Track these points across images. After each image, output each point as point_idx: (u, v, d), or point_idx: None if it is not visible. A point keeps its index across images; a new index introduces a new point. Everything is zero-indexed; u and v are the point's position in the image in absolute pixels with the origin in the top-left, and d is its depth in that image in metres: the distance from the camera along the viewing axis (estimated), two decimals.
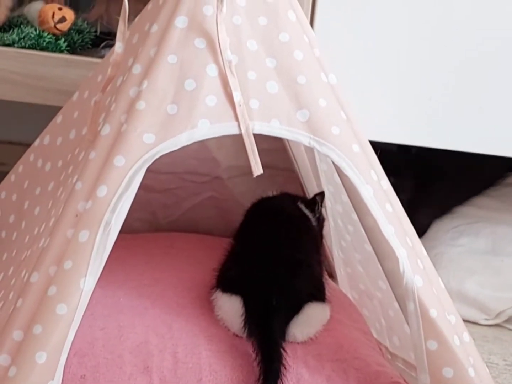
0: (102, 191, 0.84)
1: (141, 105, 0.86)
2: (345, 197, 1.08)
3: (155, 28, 0.90)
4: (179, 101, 0.86)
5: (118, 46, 0.92)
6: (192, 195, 1.31)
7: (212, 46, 0.87)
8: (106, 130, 0.87)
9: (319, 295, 1.02)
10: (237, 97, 0.87)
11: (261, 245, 1.02)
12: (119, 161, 0.84)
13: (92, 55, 1.32)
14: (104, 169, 0.85)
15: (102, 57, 1.28)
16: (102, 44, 1.35)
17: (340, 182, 1.08)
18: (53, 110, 1.14)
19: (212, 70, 0.87)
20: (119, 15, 1.34)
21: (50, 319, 0.81)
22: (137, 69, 0.88)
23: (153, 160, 0.85)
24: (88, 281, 0.82)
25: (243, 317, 0.96)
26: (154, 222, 1.33)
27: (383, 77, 1.29)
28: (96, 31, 1.38)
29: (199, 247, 1.23)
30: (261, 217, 1.09)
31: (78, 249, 0.82)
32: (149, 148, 0.85)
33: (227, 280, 1.00)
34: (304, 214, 1.11)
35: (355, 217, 1.08)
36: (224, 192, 1.29)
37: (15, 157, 1.64)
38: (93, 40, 1.37)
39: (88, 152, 0.90)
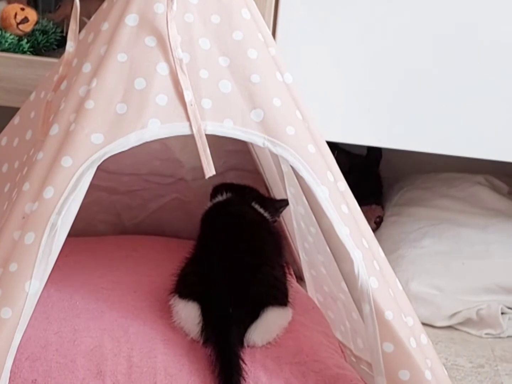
0: (48, 192, 0.82)
1: (90, 104, 0.85)
2: (306, 199, 1.07)
3: (105, 26, 0.88)
4: (129, 100, 0.85)
5: (70, 45, 0.91)
6: (157, 196, 1.29)
7: (163, 44, 0.86)
8: (55, 130, 0.86)
9: (280, 298, 1.00)
10: (188, 96, 0.86)
11: (219, 251, 1.01)
12: (66, 161, 0.83)
13: (56, 56, 1.30)
14: (51, 170, 0.83)
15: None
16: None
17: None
18: (13, 111, 1.13)
19: (162, 69, 0.86)
20: (85, 16, 1.34)
21: None
22: (87, 67, 0.87)
23: (101, 161, 0.84)
24: (34, 284, 0.80)
25: (200, 324, 0.95)
26: (119, 225, 1.31)
27: (345, 76, 1.28)
28: (62, 32, 1.36)
29: (162, 250, 1.22)
30: (218, 222, 1.08)
31: (24, 251, 0.81)
32: (97, 149, 0.83)
33: (184, 286, 0.98)
34: (261, 215, 1.10)
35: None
36: (188, 193, 1.28)
37: None
38: (59, 40, 1.35)
39: (36, 152, 0.88)
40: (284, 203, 1.16)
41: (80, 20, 1.36)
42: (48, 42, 1.33)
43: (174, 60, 0.85)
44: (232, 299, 0.96)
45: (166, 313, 1.00)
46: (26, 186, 0.84)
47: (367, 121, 1.32)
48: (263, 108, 0.89)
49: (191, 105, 0.86)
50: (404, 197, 1.54)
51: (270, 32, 0.94)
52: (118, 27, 0.87)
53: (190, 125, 0.86)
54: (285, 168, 1.12)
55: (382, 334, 0.87)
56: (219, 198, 1.13)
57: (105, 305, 1.02)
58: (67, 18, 1.39)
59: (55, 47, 1.35)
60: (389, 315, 0.87)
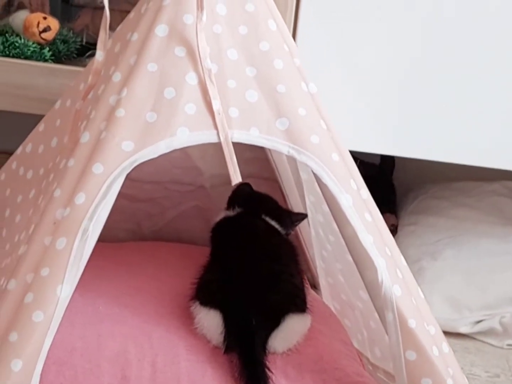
0: (80, 198, 0.84)
1: (120, 112, 0.86)
2: (325, 207, 1.08)
3: (135, 36, 0.90)
4: (159, 109, 0.86)
5: (99, 54, 0.93)
6: (176, 204, 1.31)
7: (192, 55, 0.87)
8: (85, 137, 0.87)
9: (299, 305, 1.01)
10: (216, 105, 0.87)
11: (237, 259, 1.01)
12: (97, 168, 0.84)
13: (77, 65, 1.32)
14: (82, 176, 0.85)
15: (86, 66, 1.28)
16: (87, 54, 1.35)
17: (320, 191, 1.08)
18: (35, 119, 1.14)
19: (191, 79, 0.87)
20: None
21: (26, 326, 0.80)
22: (117, 77, 0.89)
23: (132, 167, 0.85)
24: (65, 289, 0.82)
25: (223, 333, 0.96)
26: (139, 232, 1.32)
27: (362, 86, 1.29)
28: (81, 41, 1.38)
29: (181, 256, 1.23)
30: (231, 233, 1.09)
31: (56, 257, 0.82)
32: (128, 156, 0.85)
33: (205, 293, 0.99)
34: (272, 227, 1.10)
35: (335, 227, 1.08)
36: (207, 201, 1.29)
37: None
38: (79, 49, 1.37)
39: (67, 159, 0.90)
40: (301, 217, 1.16)
41: (99, 29, 1.39)
42: (68, 51, 1.35)
43: (203, 70, 0.87)
44: (253, 306, 0.97)
45: (188, 319, 1.01)
46: (57, 192, 0.86)
47: (381, 130, 1.33)
48: (288, 117, 0.90)
49: (219, 114, 0.87)
50: (420, 206, 1.55)
51: (294, 43, 0.95)
52: (148, 38, 0.88)
53: (218, 133, 0.87)
54: (305, 176, 1.14)
55: (405, 342, 0.88)
56: (230, 212, 1.13)
57: (128, 310, 1.03)
58: (87, 27, 1.41)
59: (75, 55, 1.37)
60: (412, 323, 0.89)
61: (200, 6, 0.86)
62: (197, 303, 0.99)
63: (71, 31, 1.38)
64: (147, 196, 1.29)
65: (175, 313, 1.03)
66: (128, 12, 1.35)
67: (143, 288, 1.09)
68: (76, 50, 1.36)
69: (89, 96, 0.94)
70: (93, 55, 1.34)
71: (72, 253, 0.82)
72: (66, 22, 1.40)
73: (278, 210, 1.14)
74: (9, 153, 1.47)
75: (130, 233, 1.32)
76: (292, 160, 1.19)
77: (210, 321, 0.96)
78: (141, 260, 1.21)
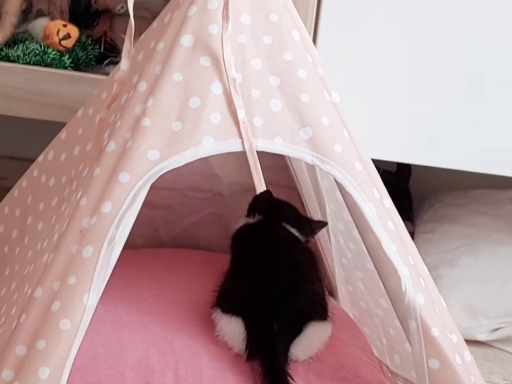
0: (106, 207, 0.84)
1: (146, 122, 0.87)
2: (346, 215, 1.09)
3: (161, 46, 0.90)
4: (184, 118, 0.87)
5: (124, 63, 0.93)
6: (194, 211, 1.31)
7: (217, 65, 0.88)
8: (111, 146, 0.88)
9: (321, 313, 1.02)
10: (241, 114, 0.88)
11: (258, 266, 1.01)
12: (124, 177, 0.85)
13: (96, 72, 1.32)
14: (108, 185, 0.85)
15: (106, 73, 1.29)
16: (106, 61, 1.36)
17: (341, 199, 1.09)
18: (56, 126, 1.15)
19: (216, 88, 0.88)
20: (122, 32, 1.36)
21: (54, 334, 0.81)
22: (142, 86, 0.89)
23: (157, 176, 0.86)
24: (92, 297, 0.82)
25: (245, 341, 0.96)
26: (156, 239, 1.33)
27: (379, 95, 1.30)
28: (100, 48, 1.39)
29: (200, 263, 1.24)
30: (252, 240, 1.08)
31: (82, 265, 0.83)
32: (153, 165, 0.86)
33: (227, 300, 0.99)
34: (292, 235, 1.10)
35: (356, 235, 1.09)
36: (225, 208, 1.30)
37: (17, 172, 1.65)
38: (97, 56, 1.38)
39: (92, 168, 0.90)
40: (321, 224, 1.15)
41: (119, 37, 1.40)
42: (87, 58, 1.35)
43: (228, 79, 0.88)
44: (274, 314, 0.97)
45: (209, 326, 1.01)
46: (83, 201, 0.86)
47: (397, 138, 1.34)
48: (312, 126, 0.91)
49: (244, 123, 0.88)
50: (436, 214, 1.55)
51: (317, 53, 0.96)
52: (173, 47, 0.89)
53: (242, 142, 0.88)
54: (325, 184, 1.14)
55: (428, 351, 0.89)
56: (251, 219, 1.13)
57: (149, 317, 1.04)
58: (105, 34, 1.41)
59: (94, 63, 1.37)
60: (435, 331, 0.89)
61: (225, 17, 0.87)
62: (219, 310, 0.99)
63: (90, 38, 1.38)
64: (165, 202, 1.29)
65: (196, 320, 1.03)
66: (146, 18, 1.37)
67: (164, 295, 1.10)
68: (94, 58, 1.37)
69: (113, 105, 0.95)
70: (112, 62, 1.36)
71: (99, 261, 0.82)
72: (84, 29, 1.40)
73: (299, 217, 1.14)
74: (28, 160, 1.49)
75: (148, 239, 1.33)
76: (311, 168, 1.20)
77: (232, 329, 0.97)
78: (160, 267, 1.21)
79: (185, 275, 1.18)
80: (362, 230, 0.94)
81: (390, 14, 1.25)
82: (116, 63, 1.32)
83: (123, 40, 1.35)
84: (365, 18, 1.25)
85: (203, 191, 1.29)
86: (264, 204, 1.12)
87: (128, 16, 0.92)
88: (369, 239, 0.93)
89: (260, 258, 1.04)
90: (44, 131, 1.25)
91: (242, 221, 1.14)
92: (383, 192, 0.95)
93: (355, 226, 1.08)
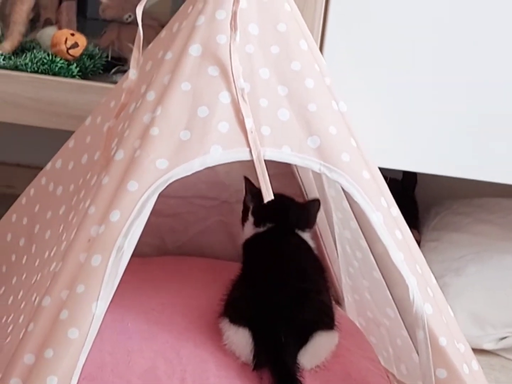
0: (115, 215, 0.84)
1: (154, 131, 0.87)
2: (353, 224, 1.09)
3: (169, 55, 0.91)
4: (192, 127, 0.87)
5: (132, 73, 0.94)
6: (200, 219, 1.31)
7: (225, 74, 0.88)
8: (119, 155, 0.88)
9: (328, 322, 1.02)
10: (249, 123, 0.88)
11: (266, 276, 1.02)
12: (132, 186, 0.85)
13: (103, 80, 1.33)
14: (117, 194, 0.85)
15: (113, 82, 1.29)
16: (113, 70, 1.36)
17: (348, 208, 1.09)
18: (63, 134, 1.15)
19: (225, 97, 0.88)
20: (130, 41, 1.37)
21: (62, 343, 0.81)
22: (151, 95, 0.90)
23: (166, 185, 0.86)
24: (100, 306, 0.82)
25: (253, 351, 0.96)
26: (162, 247, 1.33)
27: (385, 103, 1.30)
28: (107, 57, 1.39)
29: (206, 271, 1.24)
30: (262, 249, 1.09)
31: (91, 273, 0.83)
32: (162, 174, 0.86)
33: (234, 310, 1.00)
34: (303, 241, 1.11)
35: (363, 243, 1.09)
36: (231, 216, 1.30)
37: (24, 180, 1.66)
38: (104, 65, 1.38)
39: (101, 177, 0.91)
40: (317, 203, 1.13)
41: (126, 46, 1.40)
42: (95, 67, 1.36)
43: (236, 89, 0.88)
44: (281, 324, 0.97)
45: (216, 335, 1.02)
46: (92, 210, 0.87)
47: (403, 146, 1.34)
48: (319, 135, 0.91)
49: (251, 132, 0.88)
50: (442, 222, 1.55)
51: (325, 62, 0.96)
52: (181, 57, 0.89)
53: (250, 151, 0.88)
54: (332, 193, 1.14)
55: (435, 360, 0.89)
56: (260, 228, 1.13)
57: (156, 327, 1.04)
58: (112, 43, 1.42)
59: (101, 71, 1.38)
60: (442, 341, 0.89)
61: (234, 27, 0.87)
62: (226, 320, 1.00)
63: (97, 47, 1.39)
64: (172, 211, 1.30)
65: (203, 329, 1.04)
66: (153, 27, 1.37)
67: (170, 304, 1.10)
68: (101, 66, 1.38)
69: (121, 114, 0.95)
70: (119, 71, 1.36)
71: (107, 270, 0.83)
72: (92, 37, 1.41)
73: (303, 214, 1.13)
74: (34, 168, 1.50)
75: (155, 248, 1.33)
76: (318, 176, 1.20)
77: (240, 339, 0.97)
78: (166, 275, 1.21)
79: (191, 283, 1.19)
80: (369, 239, 0.94)
81: (397, 24, 1.25)
82: (123, 71, 1.33)
83: (130, 49, 1.36)
84: (372, 28, 1.25)
85: (210, 199, 1.30)
86: (272, 212, 1.12)
87: (136, 25, 0.92)
88: (377, 248, 0.93)
89: (268, 268, 1.04)
90: (51, 139, 1.25)
91: (251, 230, 1.14)
92: (391, 201, 0.95)
93: (362, 235, 1.08)
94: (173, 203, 1.28)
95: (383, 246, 0.91)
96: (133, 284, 1.16)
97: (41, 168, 1.48)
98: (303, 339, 0.98)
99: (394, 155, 1.34)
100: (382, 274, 0.95)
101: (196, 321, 1.06)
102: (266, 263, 1.05)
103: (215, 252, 1.32)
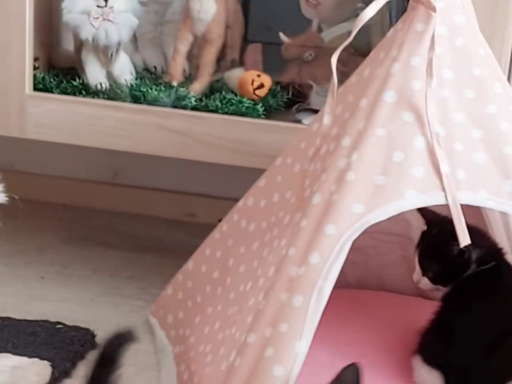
0: (314, 258, 0.88)
1: (350, 176, 0.90)
2: None
3: (364, 102, 0.94)
4: (387, 172, 0.90)
5: (327, 118, 0.98)
6: (382, 253, 1.33)
7: (420, 119, 0.90)
8: (317, 199, 0.92)
9: None
10: (444, 168, 0.89)
11: (468, 318, 1.00)
12: (330, 229, 0.89)
13: (285, 118, 1.38)
14: (315, 236, 0.89)
15: (296, 121, 1.34)
16: (295, 106, 1.41)
17: None
18: (255, 172, 1.21)
19: (420, 142, 0.90)
20: (310, 78, 1.42)
21: (267, 380, 0.86)
22: (346, 141, 0.93)
23: (362, 229, 0.89)
24: (302, 344, 0.86)
25: None
26: (343, 280, 1.35)
27: None
28: (288, 94, 1.45)
29: (390, 306, 1.25)
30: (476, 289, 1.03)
31: (293, 313, 0.87)
32: (358, 218, 0.89)
33: (430, 351, 1.00)
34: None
35: None
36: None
37: (204, 209, 1.76)
38: (286, 102, 1.44)
39: (296, 218, 0.95)
40: None
41: (306, 83, 1.45)
42: (277, 105, 1.42)
43: (431, 134, 0.89)
44: (474, 372, 0.96)
45: (406, 370, 1.03)
46: (292, 251, 0.91)
47: None
48: None
49: (447, 176, 0.89)
50: None
51: None
52: (376, 104, 0.92)
53: (446, 195, 0.89)
54: None
55: None
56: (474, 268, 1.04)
57: (348, 360, 1.06)
58: (293, 80, 1.47)
59: (282, 108, 1.43)
60: None
61: (429, 73, 0.89)
62: (420, 358, 1.00)
63: (279, 85, 1.45)
64: (355, 245, 1.32)
65: (397, 366, 1.05)
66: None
67: (358, 338, 1.12)
68: (283, 104, 1.43)
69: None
70: (301, 109, 1.41)
71: (309, 310, 0.87)
72: (274, 75, 1.47)
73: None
74: (214, 197, 1.56)
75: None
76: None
77: (432, 381, 0.98)
78: (350, 309, 1.24)
79: (377, 318, 1.20)
80: None
81: None
82: (305, 109, 1.38)
83: (310, 86, 1.42)
84: None
85: (393, 234, 1.31)
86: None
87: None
88: None
89: (473, 309, 1.00)
90: (243, 176, 1.32)
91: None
92: None
93: None
94: (358, 238, 1.30)
95: None
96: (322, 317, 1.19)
97: (220, 198, 1.57)
98: None
99: None
100: None
101: (385, 356, 1.07)
102: (473, 304, 1.01)
103: (396, 286, 1.33)
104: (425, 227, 1.07)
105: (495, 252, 1.04)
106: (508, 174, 0.90)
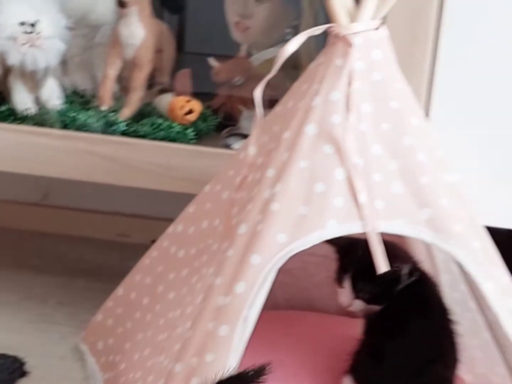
0: (240, 287, 0.91)
1: (275, 206, 0.93)
2: (463, 286, 1.11)
3: (287, 134, 0.97)
4: (310, 203, 0.93)
5: (252, 149, 1.00)
6: (311, 275, 1.36)
7: (340, 152, 0.94)
8: (243, 229, 0.95)
9: None
10: (362, 198, 0.93)
11: (394, 339, 1.01)
12: (255, 259, 0.91)
13: (216, 144, 1.39)
14: (241, 266, 0.92)
15: (227, 145, 1.37)
16: (226, 130, 1.43)
17: (457, 271, 1.11)
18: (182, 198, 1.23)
19: (339, 174, 0.94)
20: (240, 102, 1.44)
21: None
22: (270, 172, 0.96)
23: (286, 258, 0.92)
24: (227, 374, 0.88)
25: None
26: (272, 300, 1.38)
27: (501, 162, 1.29)
28: (217, 118, 1.47)
29: (317, 326, 1.28)
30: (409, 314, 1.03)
31: (218, 343, 0.89)
32: (282, 247, 0.92)
33: (361, 372, 1.03)
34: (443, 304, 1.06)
35: (473, 305, 1.11)
36: None
37: (138, 230, 1.76)
38: (216, 126, 1.46)
39: (223, 246, 0.97)
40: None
41: (236, 107, 1.48)
42: (208, 129, 1.43)
43: (350, 166, 0.93)
44: None
45: None
46: (218, 280, 0.93)
47: None
48: (431, 207, 0.95)
49: (365, 206, 0.93)
50: None
51: (436, 136, 1.00)
52: (298, 136, 0.95)
53: (364, 224, 0.93)
54: (442, 256, 1.17)
55: None
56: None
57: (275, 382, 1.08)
58: (223, 105, 1.50)
59: (213, 132, 1.45)
60: None
61: (348, 107, 0.93)
62: (351, 378, 1.03)
63: (210, 108, 1.47)
64: (284, 267, 1.35)
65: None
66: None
67: (288, 360, 1.14)
68: (214, 128, 1.45)
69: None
70: (231, 134, 1.43)
71: (234, 340, 0.89)
72: (204, 100, 1.48)
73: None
74: (147, 218, 1.55)
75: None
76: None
77: None
78: (278, 331, 1.26)
79: (305, 339, 1.23)
80: (481, 306, 0.97)
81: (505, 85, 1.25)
82: (235, 134, 1.40)
83: (240, 110, 1.44)
84: (477, 103, 1.25)
85: (319, 256, 1.34)
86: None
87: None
88: (488, 316, 0.95)
89: (400, 330, 1.01)
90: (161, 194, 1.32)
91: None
92: (502, 269, 0.98)
93: (471, 297, 1.10)
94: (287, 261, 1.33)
95: (493, 315, 0.93)
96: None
97: (153, 218, 1.56)
98: None
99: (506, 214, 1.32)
100: (495, 339, 0.97)
101: (313, 378, 1.10)
102: (396, 328, 1.02)
103: (325, 306, 1.36)
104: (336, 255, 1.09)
105: (416, 263, 1.06)
106: (424, 203, 0.95)
